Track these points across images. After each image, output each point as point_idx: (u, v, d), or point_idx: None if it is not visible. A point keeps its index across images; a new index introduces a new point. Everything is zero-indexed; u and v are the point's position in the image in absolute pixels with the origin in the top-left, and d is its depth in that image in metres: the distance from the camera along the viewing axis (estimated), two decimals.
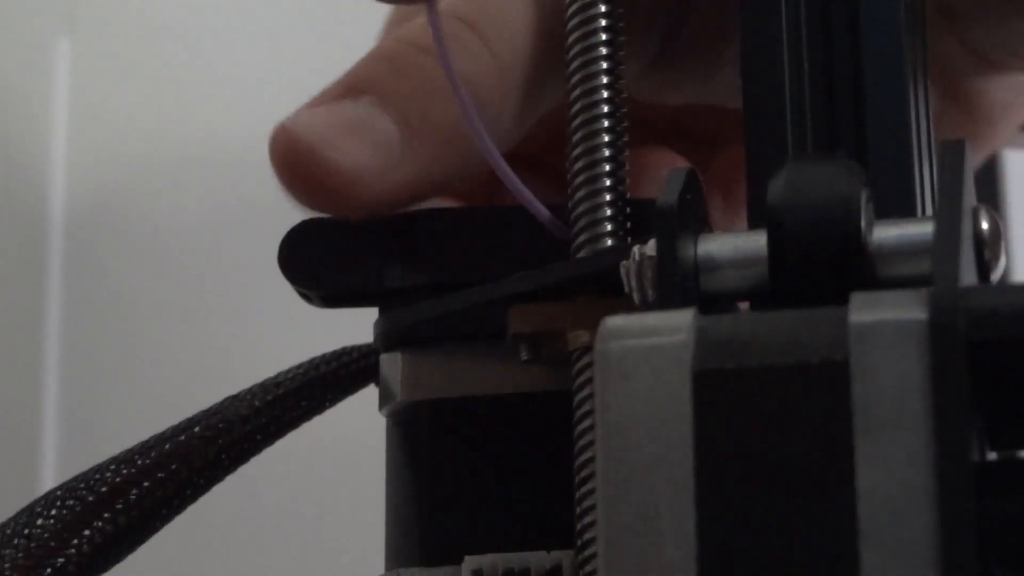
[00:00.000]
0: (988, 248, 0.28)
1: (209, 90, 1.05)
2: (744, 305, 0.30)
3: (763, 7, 0.32)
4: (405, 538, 0.34)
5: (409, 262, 0.34)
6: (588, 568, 0.30)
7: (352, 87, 0.35)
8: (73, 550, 0.33)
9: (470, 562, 0.33)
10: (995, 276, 0.28)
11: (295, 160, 0.33)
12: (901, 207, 0.31)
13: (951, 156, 0.28)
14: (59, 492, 0.34)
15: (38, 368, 1.01)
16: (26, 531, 0.33)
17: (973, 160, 0.31)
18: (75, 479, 0.34)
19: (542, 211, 0.33)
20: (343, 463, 0.90)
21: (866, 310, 0.25)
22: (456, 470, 0.34)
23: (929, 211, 0.32)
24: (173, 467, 0.34)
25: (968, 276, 0.26)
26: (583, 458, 0.31)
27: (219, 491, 0.35)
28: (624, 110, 0.33)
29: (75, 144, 1.04)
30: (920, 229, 0.28)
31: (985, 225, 0.28)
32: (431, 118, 0.34)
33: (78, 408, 1.01)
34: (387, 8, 0.42)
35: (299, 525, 0.97)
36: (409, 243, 0.34)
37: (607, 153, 0.33)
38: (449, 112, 0.34)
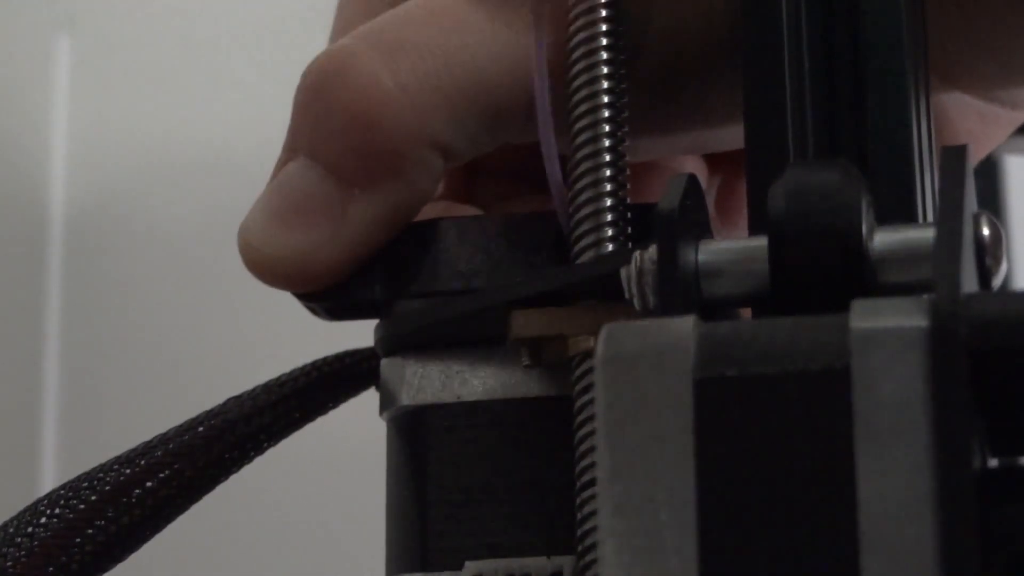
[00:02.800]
0: (989, 254, 0.28)
1: (208, 90, 1.05)
2: (745, 311, 0.30)
3: (764, 13, 0.32)
4: (406, 543, 0.34)
5: (413, 273, 0.34)
6: (589, 574, 0.30)
7: (289, 147, 0.35)
8: (76, 549, 0.33)
9: (471, 567, 0.33)
10: (996, 282, 0.28)
11: (251, 263, 0.35)
12: (902, 213, 0.31)
13: (952, 162, 0.28)
14: (62, 491, 0.34)
15: (38, 368, 1.01)
16: (29, 530, 0.33)
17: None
18: (78, 478, 0.34)
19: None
20: (344, 468, 0.90)
21: (867, 317, 0.24)
22: (457, 475, 0.33)
23: (930, 217, 0.32)
24: (176, 466, 0.34)
25: (969, 283, 0.26)
26: (584, 463, 0.31)
27: (220, 494, 0.35)
28: (626, 115, 0.33)
29: (75, 143, 1.04)
30: (921, 235, 0.28)
31: (986, 231, 0.28)
32: (360, 155, 0.34)
33: (78, 408, 1.01)
34: None
35: (300, 529, 0.98)
36: (414, 254, 0.34)
37: (608, 158, 0.33)
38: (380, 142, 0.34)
